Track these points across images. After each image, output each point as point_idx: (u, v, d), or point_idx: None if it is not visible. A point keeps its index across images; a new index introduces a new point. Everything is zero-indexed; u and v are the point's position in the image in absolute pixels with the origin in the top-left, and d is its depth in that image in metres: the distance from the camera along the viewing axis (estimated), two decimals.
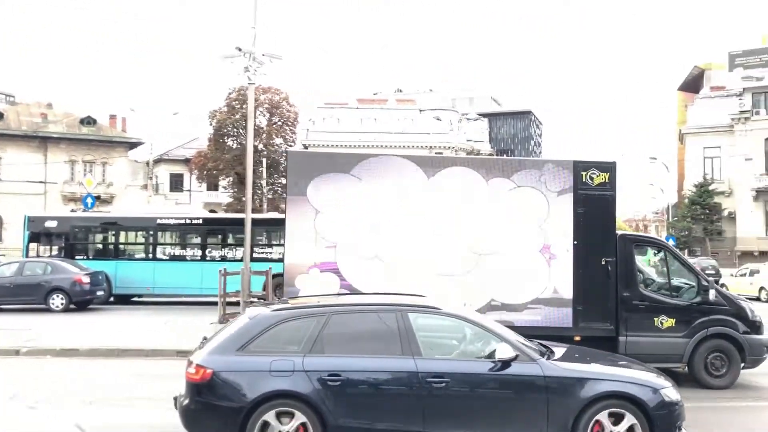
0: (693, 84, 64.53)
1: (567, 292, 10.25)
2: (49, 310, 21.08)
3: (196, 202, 65.89)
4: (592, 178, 10.41)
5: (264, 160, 56.67)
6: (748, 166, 50.35)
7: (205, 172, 61.90)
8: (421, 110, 62.58)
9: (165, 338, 14.66)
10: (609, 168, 10.65)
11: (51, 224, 24.28)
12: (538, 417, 6.37)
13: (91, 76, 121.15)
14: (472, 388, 6.47)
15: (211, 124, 60.02)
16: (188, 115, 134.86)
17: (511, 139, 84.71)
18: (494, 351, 6.46)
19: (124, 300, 24.62)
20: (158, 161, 70.90)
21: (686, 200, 52.65)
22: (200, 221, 24.52)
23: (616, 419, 6.37)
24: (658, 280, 10.99)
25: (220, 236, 24.71)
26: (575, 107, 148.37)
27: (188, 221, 24.36)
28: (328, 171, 10.46)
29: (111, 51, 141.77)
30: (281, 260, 23.71)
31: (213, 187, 68.12)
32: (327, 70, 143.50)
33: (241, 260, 23.81)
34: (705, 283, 10.39)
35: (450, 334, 7.00)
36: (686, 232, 50.28)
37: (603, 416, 6.33)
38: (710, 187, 50.73)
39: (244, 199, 58.66)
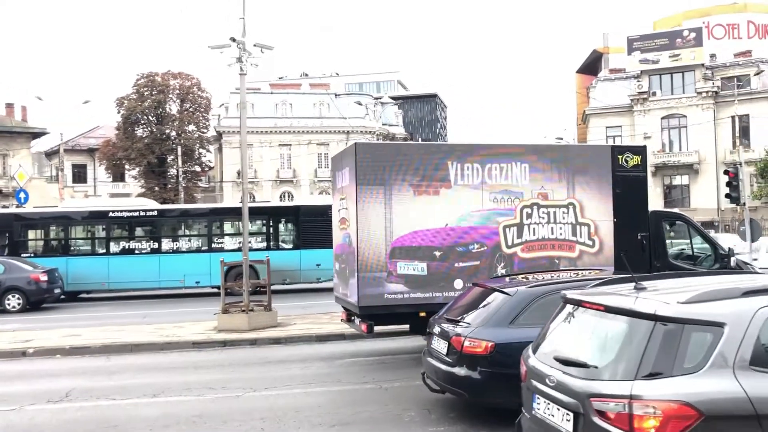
0: (591, 67, 68.31)
1: (611, 264, 11.20)
2: (3, 311, 20.20)
3: (102, 194, 63.28)
4: (627, 161, 11.41)
5: (179, 148, 55.27)
6: (647, 144, 54.15)
7: (114, 163, 59.63)
8: (336, 95, 62.71)
9: (170, 332, 14.60)
10: (641, 151, 11.76)
11: None
12: None
13: None
14: None
15: (119, 112, 57.79)
16: (100, 103, 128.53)
17: (418, 122, 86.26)
18: None
19: (72, 297, 23.81)
20: (57, 152, 67.46)
21: None
22: (155, 212, 23.96)
23: None
24: (683, 250, 12.23)
25: (176, 227, 24.28)
26: (478, 90, 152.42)
27: (142, 213, 23.79)
28: (400, 162, 10.77)
29: (12, 39, 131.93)
30: (239, 250, 23.53)
31: (119, 177, 65.70)
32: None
33: (197, 251, 23.70)
34: (722, 252, 11.68)
35: None
36: None
37: None
38: None
39: (156, 188, 56.90)
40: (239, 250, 23.35)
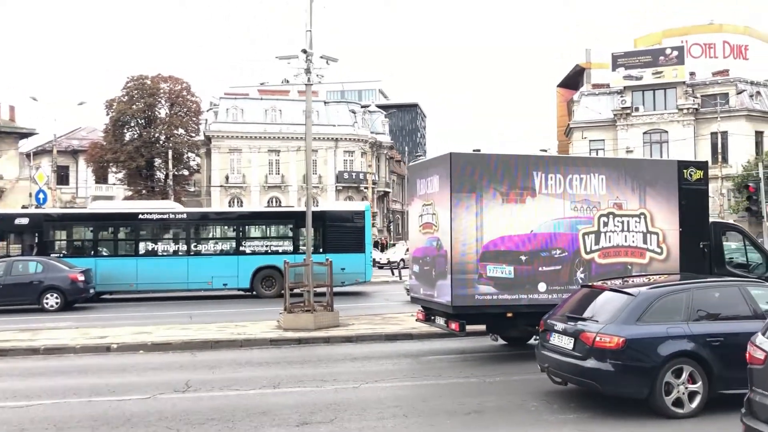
0: (573, 81, 70.06)
1: (676, 271, 12.09)
2: (42, 310, 20.40)
3: (87, 196, 62.79)
4: (691, 175, 12.37)
5: (169, 152, 55.18)
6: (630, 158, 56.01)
7: (102, 165, 59.29)
8: (326, 102, 63.36)
9: (238, 331, 15.13)
10: (703, 166, 12.73)
11: (22, 221, 23.12)
12: None
13: None
14: None
15: (108, 114, 57.55)
16: (87, 105, 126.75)
17: (399, 131, 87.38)
18: None
19: (96, 297, 23.95)
20: (41, 153, 66.69)
21: None
22: (184, 215, 24.37)
23: None
24: (738, 259, 13.25)
25: (205, 230, 24.69)
26: (457, 102, 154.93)
27: (172, 215, 24.16)
28: (489, 171, 11.54)
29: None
30: (271, 253, 24.02)
31: (102, 180, 65.25)
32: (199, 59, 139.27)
33: (225, 253, 24.14)
34: None
35: None
36: None
37: None
38: None
39: (144, 191, 56.60)
40: (269, 253, 24.03)
